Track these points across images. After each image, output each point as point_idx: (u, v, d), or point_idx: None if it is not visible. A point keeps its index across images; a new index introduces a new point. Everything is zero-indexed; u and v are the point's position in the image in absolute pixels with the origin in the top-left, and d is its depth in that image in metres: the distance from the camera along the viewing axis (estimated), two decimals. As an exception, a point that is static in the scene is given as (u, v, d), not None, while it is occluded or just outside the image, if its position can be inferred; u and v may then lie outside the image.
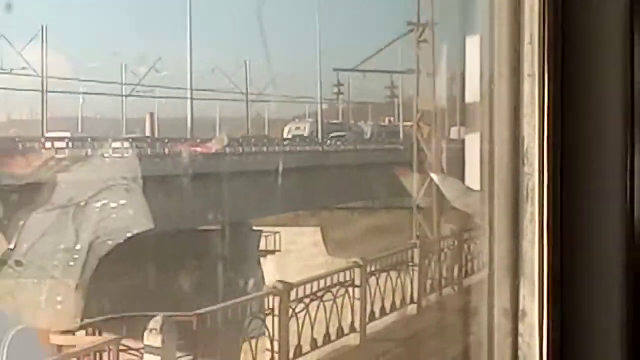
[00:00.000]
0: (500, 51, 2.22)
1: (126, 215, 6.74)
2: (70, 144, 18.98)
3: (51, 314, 6.60)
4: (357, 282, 14.18)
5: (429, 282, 15.74)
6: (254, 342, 11.01)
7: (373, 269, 14.94)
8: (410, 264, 15.80)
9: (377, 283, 14.79)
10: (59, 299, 6.72)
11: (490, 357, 2.19)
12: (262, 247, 25.33)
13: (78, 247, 6.62)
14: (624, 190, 2.21)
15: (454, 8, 2.83)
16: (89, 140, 20.22)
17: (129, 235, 7.16)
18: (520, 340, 2.14)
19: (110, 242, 6.88)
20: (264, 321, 11.59)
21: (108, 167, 8.14)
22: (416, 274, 15.45)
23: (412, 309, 15.52)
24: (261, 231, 25.17)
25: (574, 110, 2.20)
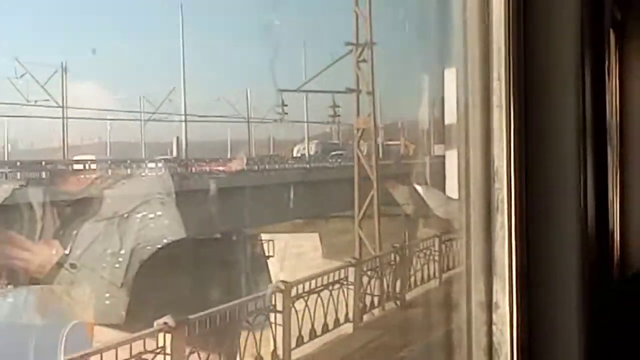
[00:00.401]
0: (473, 84, 2.24)
1: (162, 224, 6.70)
2: (113, 165, 19.06)
3: (101, 309, 6.59)
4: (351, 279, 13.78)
5: (413, 279, 15.10)
6: (258, 334, 10.72)
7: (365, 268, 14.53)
8: (392, 263, 15.15)
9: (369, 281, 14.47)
10: (107, 295, 6.71)
11: (469, 342, 2.19)
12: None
13: (122, 251, 6.60)
14: (578, 200, 2.23)
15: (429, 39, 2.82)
16: (128, 161, 20.25)
17: (165, 241, 7.14)
18: (494, 328, 2.15)
19: (148, 248, 6.86)
20: (267, 316, 11.22)
21: (145, 184, 8.13)
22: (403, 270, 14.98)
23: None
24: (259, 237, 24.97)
25: (535, 135, 2.22)
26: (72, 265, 6.60)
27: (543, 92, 2.21)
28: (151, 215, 6.80)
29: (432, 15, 2.68)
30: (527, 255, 2.19)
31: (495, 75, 2.20)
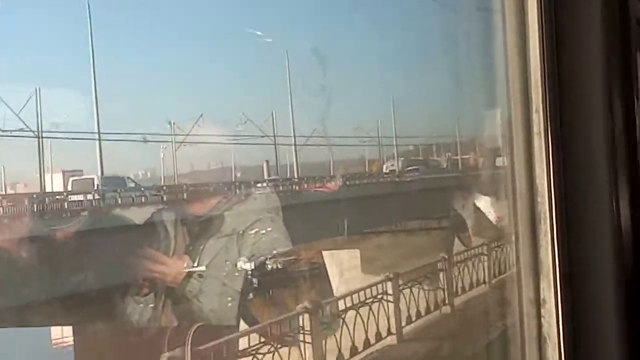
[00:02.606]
0: (515, 115, 2.26)
1: (272, 238, 6.84)
2: (229, 187, 19.48)
3: (223, 312, 6.75)
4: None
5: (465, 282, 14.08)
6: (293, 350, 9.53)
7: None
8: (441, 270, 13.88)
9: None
10: (229, 299, 6.87)
11: (522, 334, 2.20)
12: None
13: (240, 262, 6.76)
14: (611, 209, 2.22)
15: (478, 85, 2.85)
16: (240, 184, 20.62)
17: (274, 252, 7.27)
18: (542, 320, 2.15)
19: (261, 258, 7.01)
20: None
21: (257, 204, 8.29)
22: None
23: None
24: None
25: (570, 156, 2.22)
26: (200, 275, 6.78)
27: (576, 118, 2.22)
28: (263, 231, 6.94)
29: (481, 63, 2.71)
30: (569, 257, 2.19)
31: (534, 107, 2.21)
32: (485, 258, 13.93)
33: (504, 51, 2.29)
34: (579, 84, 2.24)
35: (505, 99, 2.29)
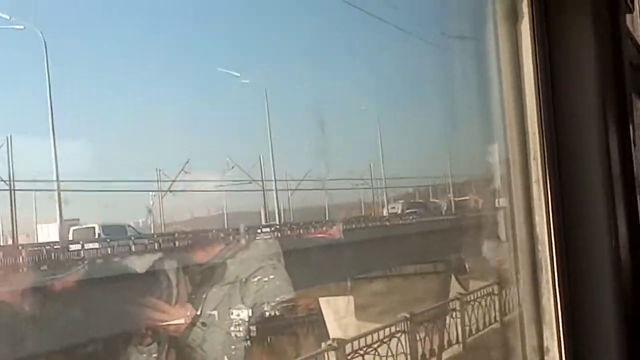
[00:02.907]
0: (514, 163, 2.26)
1: (274, 286, 6.81)
2: (230, 233, 19.44)
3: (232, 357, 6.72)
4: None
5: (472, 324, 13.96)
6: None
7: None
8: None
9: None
10: (233, 347, 6.83)
11: (526, 382, 2.18)
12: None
13: (243, 310, 6.73)
14: (613, 258, 2.22)
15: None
16: (243, 231, 20.56)
17: (277, 299, 7.25)
18: (546, 369, 2.13)
19: (264, 306, 6.99)
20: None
21: (259, 251, 8.25)
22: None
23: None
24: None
25: (569, 204, 2.22)
26: (203, 324, 6.73)
27: (573, 164, 2.22)
28: (265, 279, 6.91)
29: (478, 108, 2.73)
30: (571, 305, 2.18)
31: (532, 154, 2.22)
32: (489, 301, 13.87)
33: (500, 97, 2.30)
34: (576, 129, 2.25)
35: (503, 146, 2.30)
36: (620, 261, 2.23)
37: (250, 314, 6.75)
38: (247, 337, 6.90)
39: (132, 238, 19.89)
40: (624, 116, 2.64)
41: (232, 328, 6.91)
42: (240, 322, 6.90)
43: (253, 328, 6.80)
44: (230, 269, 7.04)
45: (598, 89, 2.28)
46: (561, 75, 2.24)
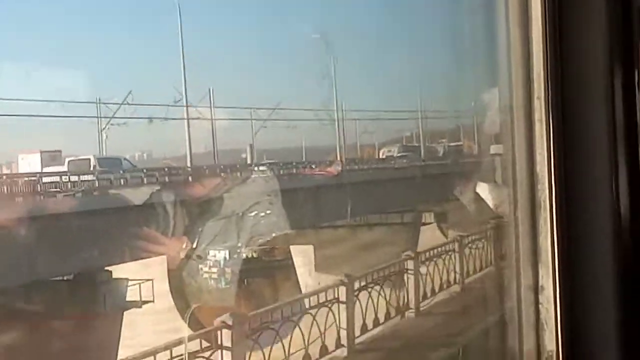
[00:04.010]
0: (517, 102, 2.23)
1: (271, 221, 6.86)
2: (229, 170, 19.43)
3: (221, 293, 6.80)
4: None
5: (483, 259, 13.86)
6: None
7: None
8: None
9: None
10: (226, 280, 6.91)
11: (519, 319, 2.18)
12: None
13: (239, 244, 6.78)
14: (611, 196, 2.20)
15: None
16: (238, 166, 20.55)
17: (273, 235, 7.30)
18: (540, 307, 2.14)
19: (260, 241, 7.03)
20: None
21: (256, 187, 8.27)
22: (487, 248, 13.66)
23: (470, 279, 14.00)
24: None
25: (571, 143, 2.20)
26: (198, 257, 6.78)
27: (577, 106, 2.19)
28: (262, 214, 6.93)
29: (483, 48, 2.68)
30: (568, 244, 2.17)
31: (535, 94, 2.19)
32: (485, 242, 14.00)
33: (506, 39, 2.26)
34: (581, 72, 2.22)
35: (506, 86, 2.26)
36: (620, 203, 2.22)
37: (221, 256, 6.81)
38: (242, 270, 6.95)
39: (128, 171, 19.87)
40: (629, 61, 2.60)
41: (226, 262, 6.96)
42: (236, 255, 6.94)
43: (223, 270, 6.87)
44: (226, 203, 7.06)
45: (605, 33, 2.23)
46: (569, 18, 2.19)
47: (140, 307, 13.76)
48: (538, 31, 2.19)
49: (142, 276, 12.93)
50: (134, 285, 13.80)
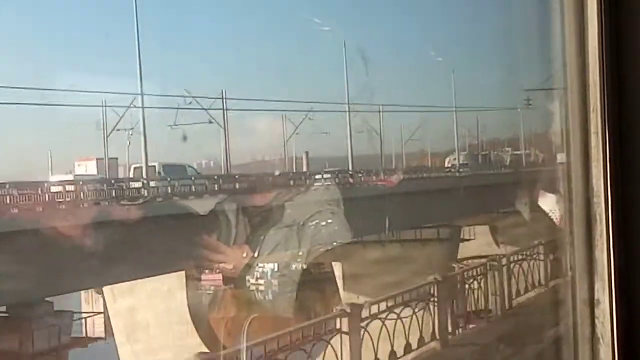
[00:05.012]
0: (573, 115, 2.25)
1: (332, 230, 6.90)
2: (292, 180, 19.57)
3: (281, 303, 6.89)
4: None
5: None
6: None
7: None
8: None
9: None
10: (288, 289, 6.98)
11: (575, 334, 2.20)
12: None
13: (300, 253, 6.84)
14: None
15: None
16: (303, 177, 20.63)
17: (335, 244, 7.34)
18: (596, 321, 2.15)
19: (321, 249, 7.09)
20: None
21: (317, 195, 8.33)
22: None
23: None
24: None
25: (629, 156, 2.20)
26: (248, 266, 6.86)
27: (635, 117, 2.19)
28: (323, 223, 6.99)
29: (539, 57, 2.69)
30: (625, 258, 2.18)
31: (591, 106, 2.20)
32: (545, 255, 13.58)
33: (561, 49, 2.28)
34: (639, 82, 2.22)
35: (563, 98, 2.28)
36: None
37: (269, 268, 6.88)
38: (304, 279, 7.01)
39: (193, 178, 20.12)
40: None
41: (287, 271, 7.03)
42: (297, 264, 7.01)
43: (275, 282, 6.94)
44: (288, 212, 7.14)
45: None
46: (627, 25, 2.20)
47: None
48: (594, 41, 2.19)
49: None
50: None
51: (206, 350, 9.61)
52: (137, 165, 20.55)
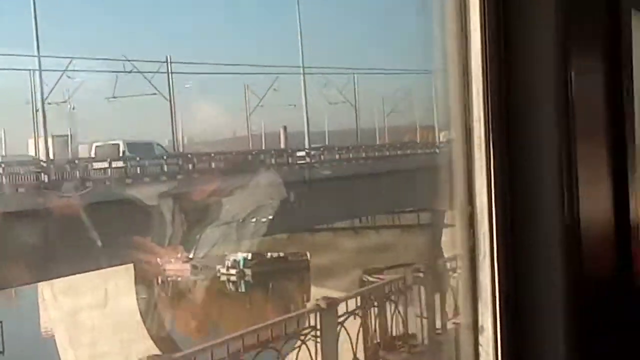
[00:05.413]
0: (455, 127, 2.11)
1: (270, 224, 6.78)
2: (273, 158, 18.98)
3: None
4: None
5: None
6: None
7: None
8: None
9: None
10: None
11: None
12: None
13: (238, 253, 6.71)
14: (563, 231, 2.07)
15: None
16: (285, 154, 19.88)
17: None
18: (480, 349, 2.02)
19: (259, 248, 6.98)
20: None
21: (259, 192, 8.05)
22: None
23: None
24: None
25: (515, 171, 2.06)
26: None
27: (521, 134, 2.06)
28: (264, 219, 6.83)
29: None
30: (514, 282, 2.05)
31: (475, 116, 2.06)
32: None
33: (441, 30, 2.13)
34: (525, 95, 2.08)
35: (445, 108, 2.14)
36: (575, 236, 2.08)
37: (240, 257, 6.72)
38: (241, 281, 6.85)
39: (165, 157, 19.08)
40: (606, 53, 2.43)
41: (226, 272, 6.87)
42: (234, 265, 6.85)
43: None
44: (226, 208, 6.94)
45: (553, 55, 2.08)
46: (513, 26, 2.06)
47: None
48: (477, 50, 2.05)
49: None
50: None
51: (158, 352, 9.30)
52: (100, 143, 19.54)
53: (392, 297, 9.09)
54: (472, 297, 2.04)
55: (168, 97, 19.50)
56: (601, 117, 2.44)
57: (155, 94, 19.56)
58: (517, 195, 2.07)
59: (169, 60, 19.42)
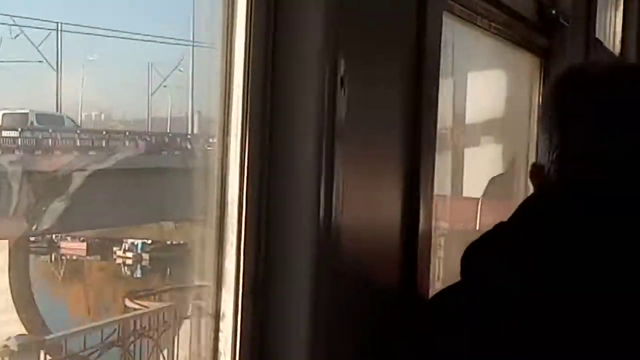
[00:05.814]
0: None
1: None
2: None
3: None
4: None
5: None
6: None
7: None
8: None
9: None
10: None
11: (198, 347, 2.12)
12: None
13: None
14: (316, 222, 2.12)
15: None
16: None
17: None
18: (220, 335, 2.07)
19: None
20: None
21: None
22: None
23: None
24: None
25: (272, 161, 2.11)
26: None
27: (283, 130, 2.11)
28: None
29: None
30: (264, 266, 2.11)
31: (233, 111, 2.10)
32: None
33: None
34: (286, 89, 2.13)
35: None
36: (332, 226, 2.14)
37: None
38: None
39: (78, 131, 18.55)
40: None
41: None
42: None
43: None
44: (76, 182, 6.83)
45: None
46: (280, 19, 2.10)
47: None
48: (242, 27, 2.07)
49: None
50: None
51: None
52: (7, 111, 18.71)
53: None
54: (217, 285, 2.08)
55: (55, 67, 18.85)
56: (385, 117, 2.51)
57: (41, 61, 18.86)
58: (273, 188, 2.12)
59: (58, 28, 18.78)
